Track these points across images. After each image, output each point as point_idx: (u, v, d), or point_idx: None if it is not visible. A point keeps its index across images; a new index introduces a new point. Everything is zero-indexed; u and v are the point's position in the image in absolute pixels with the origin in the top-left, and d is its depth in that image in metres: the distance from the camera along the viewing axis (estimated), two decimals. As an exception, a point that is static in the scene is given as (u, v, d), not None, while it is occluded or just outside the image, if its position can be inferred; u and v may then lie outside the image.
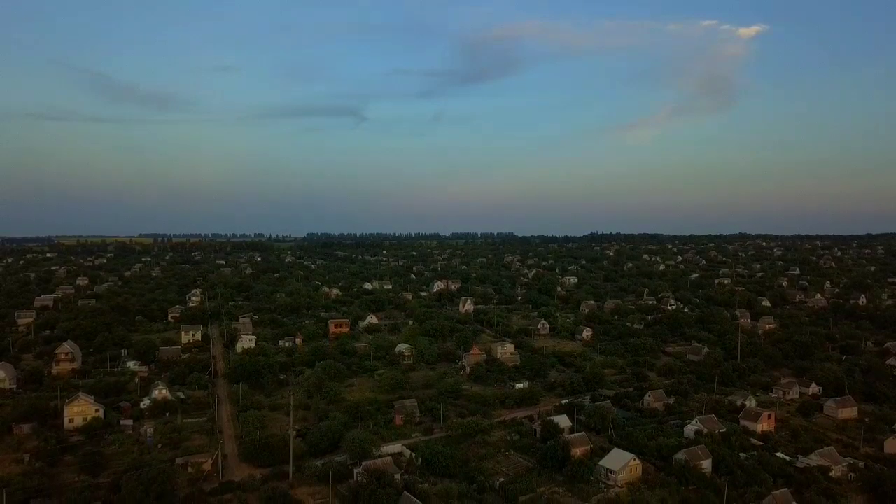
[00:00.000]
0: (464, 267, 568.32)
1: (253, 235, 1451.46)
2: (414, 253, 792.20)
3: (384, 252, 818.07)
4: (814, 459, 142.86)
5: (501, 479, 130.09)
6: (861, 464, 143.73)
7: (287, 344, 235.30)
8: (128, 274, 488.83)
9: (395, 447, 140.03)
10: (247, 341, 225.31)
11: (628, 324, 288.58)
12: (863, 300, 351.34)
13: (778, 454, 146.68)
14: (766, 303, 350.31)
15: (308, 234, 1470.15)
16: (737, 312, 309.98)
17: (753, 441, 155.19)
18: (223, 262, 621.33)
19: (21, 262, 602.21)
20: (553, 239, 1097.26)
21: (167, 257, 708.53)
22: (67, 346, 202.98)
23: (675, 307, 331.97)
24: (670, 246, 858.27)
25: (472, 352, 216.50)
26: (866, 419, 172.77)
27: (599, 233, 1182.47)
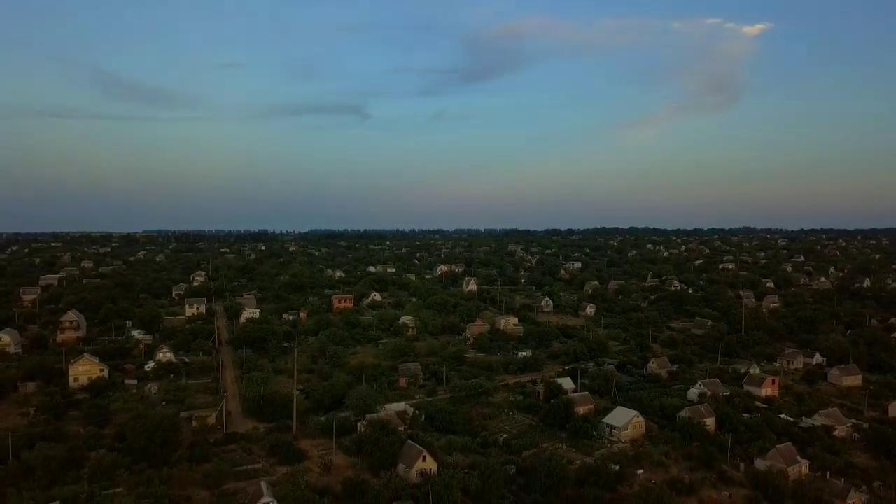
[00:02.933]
0: (467, 254, 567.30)
1: (256, 231, 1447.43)
2: (417, 243, 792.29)
3: (388, 243, 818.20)
4: (818, 420, 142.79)
5: (505, 436, 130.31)
6: (865, 425, 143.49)
7: (291, 317, 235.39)
8: (132, 259, 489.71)
9: (399, 406, 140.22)
10: (250, 313, 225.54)
11: (631, 301, 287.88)
12: (867, 283, 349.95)
13: (782, 416, 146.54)
14: (770, 285, 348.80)
15: (311, 230, 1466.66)
16: (740, 292, 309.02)
17: (757, 404, 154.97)
18: (227, 251, 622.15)
19: (26, 251, 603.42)
20: (557, 232, 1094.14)
21: (171, 246, 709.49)
22: (72, 314, 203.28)
23: (678, 288, 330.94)
24: (674, 238, 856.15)
25: (475, 323, 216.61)
26: (870, 387, 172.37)
27: (603, 227, 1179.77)
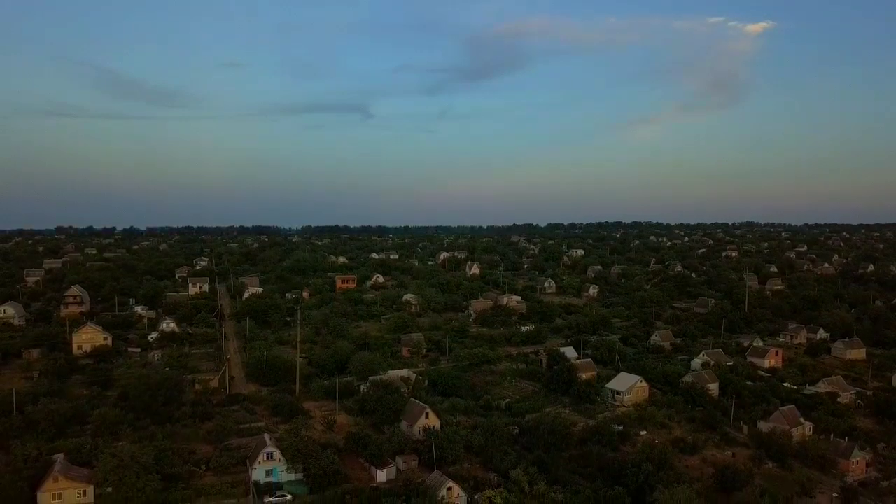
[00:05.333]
0: (470, 244, 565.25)
1: (259, 227, 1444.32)
2: (421, 236, 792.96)
3: (391, 235, 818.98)
4: (822, 387, 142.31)
5: (507, 400, 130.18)
6: (869, 392, 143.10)
7: (293, 296, 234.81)
8: (136, 248, 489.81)
9: (402, 372, 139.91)
10: (253, 291, 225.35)
11: (634, 283, 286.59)
12: (871, 268, 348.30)
13: (785, 384, 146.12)
14: (774, 269, 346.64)
15: (314, 226, 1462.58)
16: (744, 275, 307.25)
17: (761, 373, 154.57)
18: (230, 241, 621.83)
19: (30, 242, 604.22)
20: (559, 226, 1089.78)
21: (174, 238, 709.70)
22: (76, 290, 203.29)
23: (682, 272, 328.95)
24: (678, 231, 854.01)
25: (478, 300, 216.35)
26: (874, 359, 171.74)
27: (606, 221, 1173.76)
